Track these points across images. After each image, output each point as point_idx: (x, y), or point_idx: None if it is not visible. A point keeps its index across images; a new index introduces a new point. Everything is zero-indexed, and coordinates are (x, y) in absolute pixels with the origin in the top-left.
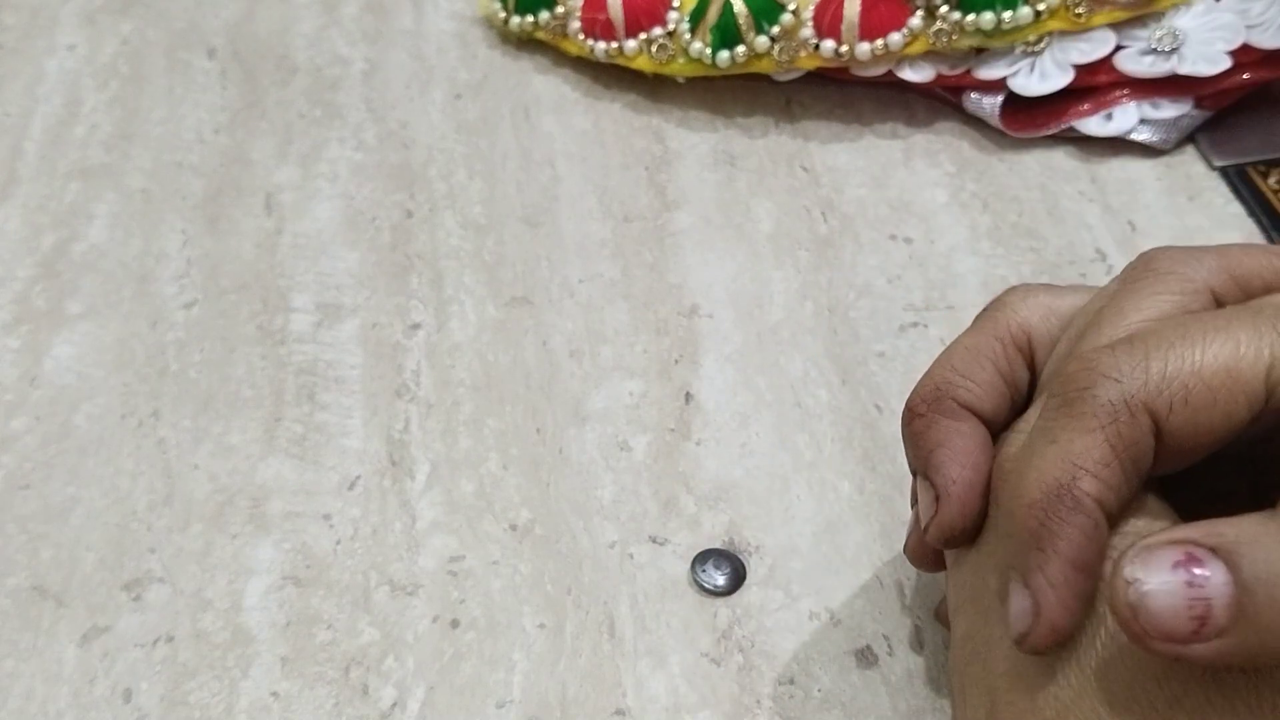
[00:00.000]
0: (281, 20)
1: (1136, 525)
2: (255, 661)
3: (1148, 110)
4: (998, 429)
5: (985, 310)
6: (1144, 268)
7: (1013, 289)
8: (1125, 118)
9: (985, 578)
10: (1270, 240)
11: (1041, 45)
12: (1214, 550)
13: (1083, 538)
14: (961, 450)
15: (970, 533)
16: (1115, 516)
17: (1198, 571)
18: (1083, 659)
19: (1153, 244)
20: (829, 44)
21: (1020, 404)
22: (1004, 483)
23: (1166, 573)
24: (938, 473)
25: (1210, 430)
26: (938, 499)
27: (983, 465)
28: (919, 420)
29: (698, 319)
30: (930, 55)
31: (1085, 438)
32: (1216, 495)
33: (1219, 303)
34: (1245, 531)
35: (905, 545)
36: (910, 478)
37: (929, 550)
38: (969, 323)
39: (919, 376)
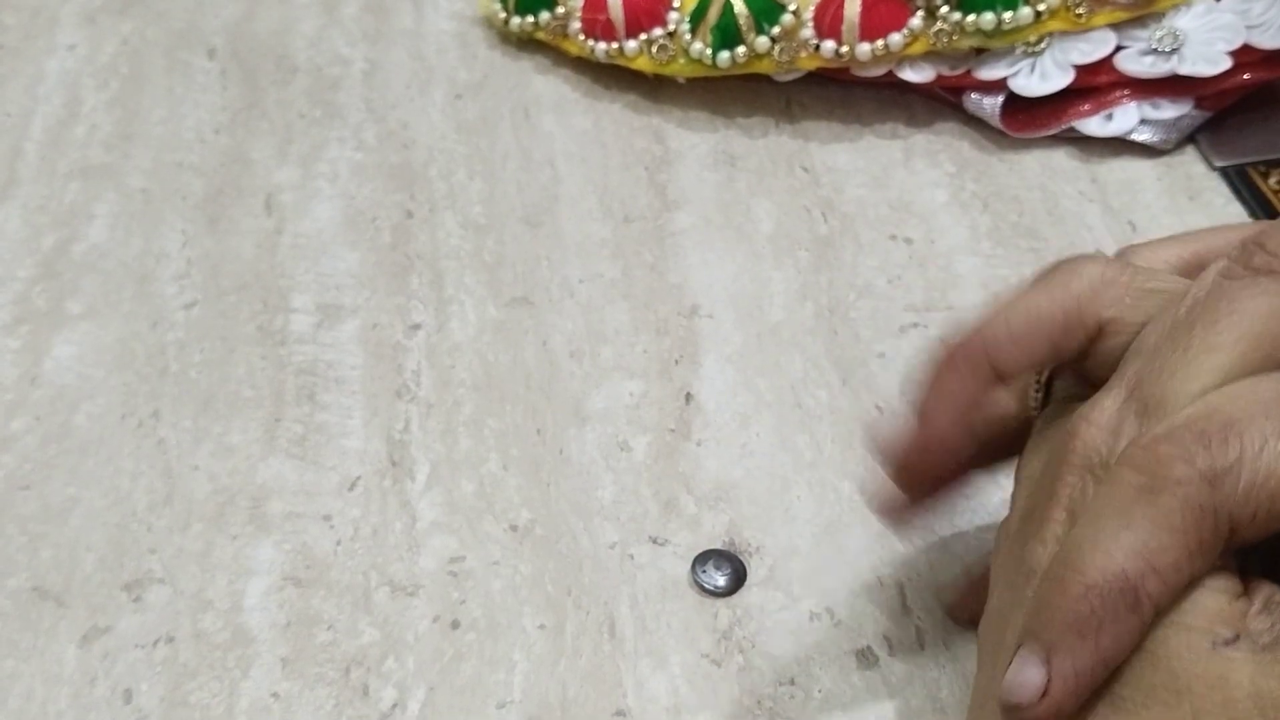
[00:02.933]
0: (281, 20)
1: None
2: (255, 662)
3: (1148, 110)
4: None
5: (1059, 272)
6: (1245, 263)
7: (1091, 262)
8: (1125, 118)
9: (1020, 563)
10: None
11: (1042, 45)
12: None
13: (1130, 640)
14: (957, 397)
15: (924, 484)
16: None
17: None
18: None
19: None
20: (829, 44)
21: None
22: (1061, 547)
23: None
24: (926, 418)
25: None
26: (915, 441)
27: (965, 423)
28: (946, 362)
29: (698, 319)
30: (930, 56)
31: (1165, 536)
32: None
33: None
34: None
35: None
36: None
37: (914, 479)
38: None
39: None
